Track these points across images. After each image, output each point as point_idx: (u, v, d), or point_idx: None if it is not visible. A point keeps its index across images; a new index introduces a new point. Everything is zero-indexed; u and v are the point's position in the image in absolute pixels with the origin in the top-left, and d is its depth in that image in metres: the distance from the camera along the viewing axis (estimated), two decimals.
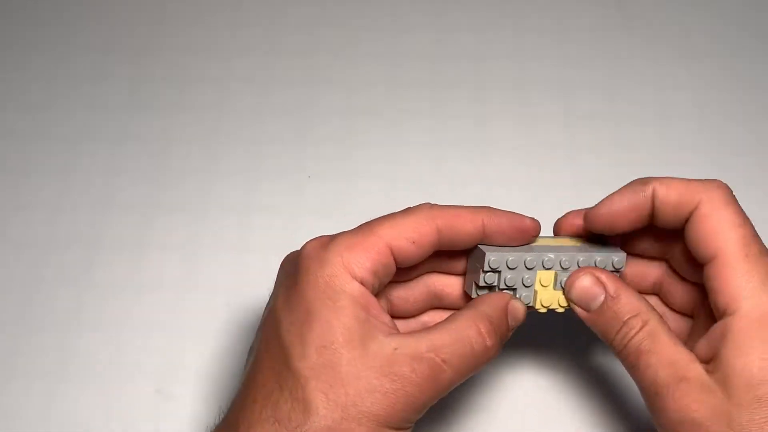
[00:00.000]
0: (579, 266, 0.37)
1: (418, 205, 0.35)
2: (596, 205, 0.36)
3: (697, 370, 0.32)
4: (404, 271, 0.36)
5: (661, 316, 0.34)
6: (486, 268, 0.36)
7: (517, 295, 0.36)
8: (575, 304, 0.36)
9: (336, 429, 0.31)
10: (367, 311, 0.33)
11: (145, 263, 0.48)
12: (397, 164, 0.52)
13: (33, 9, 0.59)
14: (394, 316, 0.38)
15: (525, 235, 0.36)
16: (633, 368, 0.34)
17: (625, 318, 0.34)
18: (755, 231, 0.33)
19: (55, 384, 0.44)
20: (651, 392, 0.33)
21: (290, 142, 0.53)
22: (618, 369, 0.44)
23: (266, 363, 0.33)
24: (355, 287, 0.33)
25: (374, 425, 0.31)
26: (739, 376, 0.31)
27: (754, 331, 0.31)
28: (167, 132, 0.53)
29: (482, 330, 0.34)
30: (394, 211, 0.35)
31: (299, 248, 0.35)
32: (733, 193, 0.34)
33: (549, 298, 0.37)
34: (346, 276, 0.33)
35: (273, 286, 0.36)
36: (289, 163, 0.52)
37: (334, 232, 0.35)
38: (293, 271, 0.34)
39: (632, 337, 0.34)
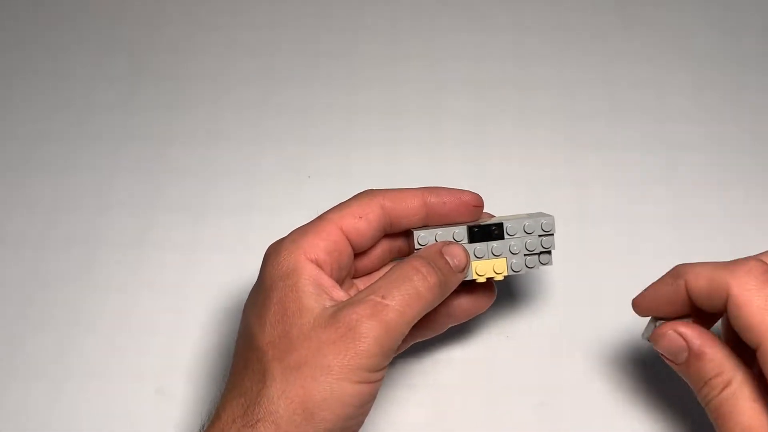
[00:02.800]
0: (508, 233, 0.39)
1: (361, 191, 0.39)
2: (639, 295, 0.38)
3: None
4: (367, 256, 0.39)
5: (746, 375, 0.34)
6: (416, 246, 0.38)
7: None
8: (665, 355, 0.36)
9: (290, 389, 0.32)
10: (319, 285, 0.35)
11: (145, 263, 0.48)
12: (396, 164, 0.52)
13: (32, 9, 0.59)
14: (358, 275, 0.40)
15: (466, 206, 0.39)
16: (717, 425, 0.34)
17: (707, 378, 0.34)
18: None
19: (55, 384, 0.44)
20: None
21: (290, 142, 0.53)
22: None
23: (237, 354, 0.36)
24: (307, 265, 0.35)
25: (330, 378, 0.32)
26: None
27: None
28: (167, 132, 0.53)
29: (415, 263, 0.35)
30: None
31: None
32: None
33: (484, 267, 0.39)
34: (300, 257, 0.35)
35: None
36: (289, 163, 0.52)
37: None
38: (260, 270, 0.37)
39: (713, 398, 0.34)
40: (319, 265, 0.35)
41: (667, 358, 0.36)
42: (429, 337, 0.41)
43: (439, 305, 0.37)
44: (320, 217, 0.37)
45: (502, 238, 0.39)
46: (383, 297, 0.34)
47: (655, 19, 0.58)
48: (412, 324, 0.35)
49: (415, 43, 0.57)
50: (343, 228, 0.37)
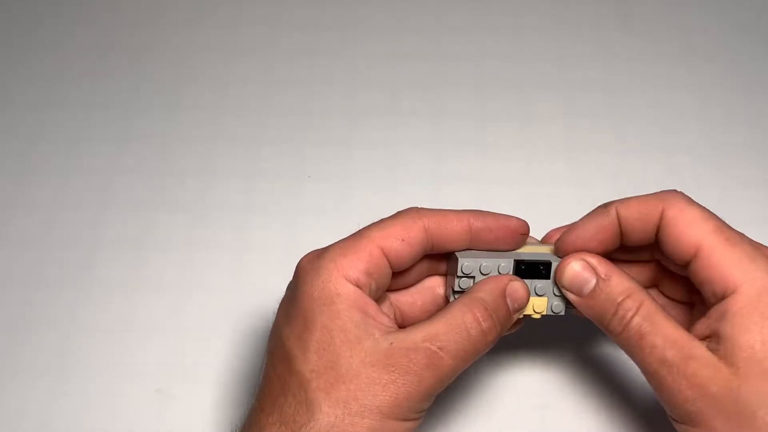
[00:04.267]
0: (554, 272, 0.37)
1: (405, 209, 0.36)
2: (565, 232, 0.37)
3: (701, 348, 0.32)
4: (403, 275, 0.37)
5: (652, 296, 0.34)
6: (459, 273, 0.36)
7: None
8: (567, 290, 0.36)
9: (339, 425, 0.31)
10: (364, 311, 0.34)
11: (145, 263, 0.48)
12: (396, 164, 0.52)
13: (32, 9, 0.59)
14: (406, 324, 0.37)
15: (513, 234, 0.37)
16: (635, 350, 0.34)
17: (619, 299, 0.34)
18: (722, 220, 0.34)
19: (56, 384, 0.44)
20: (658, 373, 0.33)
21: (290, 142, 0.53)
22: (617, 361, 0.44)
23: (271, 373, 0.34)
24: (350, 289, 0.34)
25: (377, 417, 0.32)
26: (744, 352, 0.31)
27: (753, 308, 0.32)
28: (167, 132, 0.53)
29: (477, 314, 0.34)
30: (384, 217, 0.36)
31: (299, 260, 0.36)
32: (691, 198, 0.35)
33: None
34: (341, 280, 0.34)
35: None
36: (289, 163, 0.52)
37: (334, 232, 0.36)
38: (292, 284, 0.36)
39: (630, 319, 0.34)
40: (358, 287, 0.34)
41: (572, 294, 0.36)
42: None
43: None
44: (361, 235, 0.35)
45: (548, 278, 0.37)
46: (440, 348, 0.33)
47: (655, 18, 0.58)
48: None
49: (416, 43, 0.57)
50: (384, 249, 0.35)
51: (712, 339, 0.32)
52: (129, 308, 0.47)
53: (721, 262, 0.33)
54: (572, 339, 0.45)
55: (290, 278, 0.36)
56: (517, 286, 0.36)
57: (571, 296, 0.36)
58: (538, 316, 0.37)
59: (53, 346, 0.45)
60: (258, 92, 0.55)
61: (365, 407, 0.32)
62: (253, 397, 0.35)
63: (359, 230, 0.36)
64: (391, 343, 0.33)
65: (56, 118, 0.54)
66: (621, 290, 0.34)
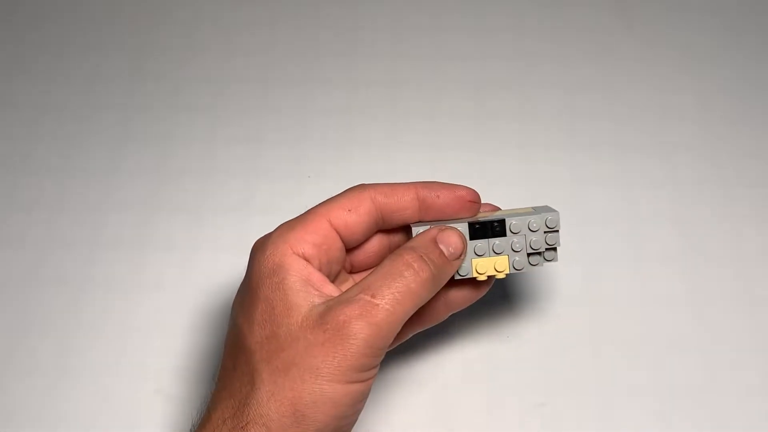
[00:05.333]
0: (511, 230, 0.37)
1: (353, 186, 0.38)
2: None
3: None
4: (363, 253, 0.39)
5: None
6: None
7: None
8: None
9: (279, 391, 0.32)
10: (307, 280, 0.34)
11: (145, 263, 0.48)
12: (396, 164, 0.52)
13: (32, 8, 0.59)
14: (355, 270, 0.39)
15: (461, 201, 0.38)
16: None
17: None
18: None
19: (55, 384, 0.44)
20: None
21: (290, 142, 0.53)
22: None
23: (226, 352, 0.35)
24: (294, 260, 0.34)
25: (317, 380, 0.32)
26: None
27: None
28: (167, 132, 0.53)
29: (406, 257, 0.34)
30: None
31: None
32: None
33: (485, 265, 0.37)
34: (287, 252, 0.34)
35: None
36: (289, 163, 0.52)
37: None
38: (247, 266, 0.36)
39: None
40: (306, 260, 0.34)
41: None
42: (429, 326, 0.40)
43: (437, 295, 0.37)
44: (308, 211, 0.37)
45: (504, 235, 0.37)
46: (373, 296, 0.33)
47: (655, 19, 0.58)
48: (404, 320, 0.34)
49: (416, 43, 0.57)
50: (332, 221, 0.36)
51: None
52: (128, 308, 0.47)
53: None
54: (572, 337, 0.45)
55: None
56: (448, 231, 0.36)
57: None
58: (502, 275, 0.38)
59: (52, 346, 0.45)
60: (258, 92, 0.55)
61: (304, 371, 0.32)
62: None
63: (308, 209, 0.37)
64: (328, 305, 0.33)
65: (56, 118, 0.54)
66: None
